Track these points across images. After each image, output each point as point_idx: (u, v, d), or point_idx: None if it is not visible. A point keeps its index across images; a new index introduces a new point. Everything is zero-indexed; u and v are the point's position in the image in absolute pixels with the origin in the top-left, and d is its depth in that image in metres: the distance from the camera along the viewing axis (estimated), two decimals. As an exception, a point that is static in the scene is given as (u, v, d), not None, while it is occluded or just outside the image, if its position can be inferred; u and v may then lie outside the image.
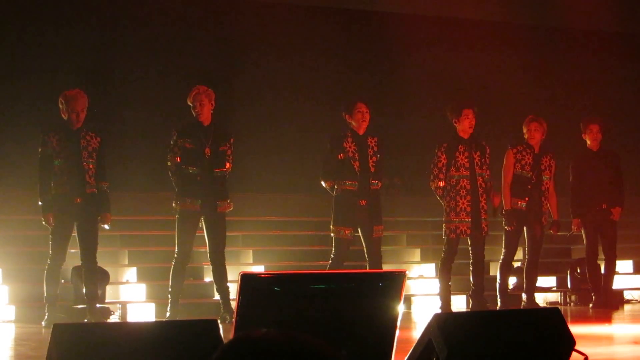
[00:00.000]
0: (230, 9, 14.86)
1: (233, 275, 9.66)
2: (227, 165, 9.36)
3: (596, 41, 16.17)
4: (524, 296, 10.63)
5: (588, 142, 11.09)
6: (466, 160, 9.76)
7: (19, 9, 13.49)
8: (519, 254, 11.78)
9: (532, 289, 10.53)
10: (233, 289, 9.22)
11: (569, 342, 4.64)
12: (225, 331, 4.43)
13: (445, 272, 9.90)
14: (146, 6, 14.12)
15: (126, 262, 11.52)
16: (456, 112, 9.83)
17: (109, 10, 14.04)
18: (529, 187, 10.25)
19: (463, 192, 9.72)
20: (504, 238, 10.30)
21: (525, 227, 10.33)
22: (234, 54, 14.68)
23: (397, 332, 4.49)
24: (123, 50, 13.84)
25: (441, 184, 9.80)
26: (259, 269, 11.74)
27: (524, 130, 10.41)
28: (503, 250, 10.30)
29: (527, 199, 10.21)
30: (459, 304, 11.20)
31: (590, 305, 11.17)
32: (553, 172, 10.42)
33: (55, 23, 13.57)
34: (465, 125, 9.79)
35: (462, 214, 9.70)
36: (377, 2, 15.64)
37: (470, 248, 9.87)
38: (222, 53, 14.62)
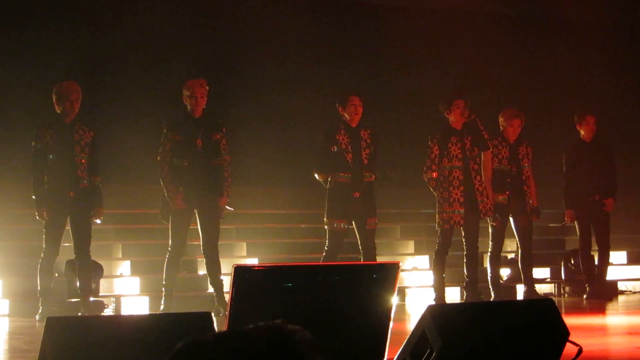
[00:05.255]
0: (226, 3, 14.84)
1: (227, 268, 9.66)
2: (226, 157, 9.34)
3: (589, 32, 16.17)
4: (522, 288, 10.65)
5: (582, 133, 11.09)
6: (459, 150, 9.75)
7: (10, 3, 13.45)
8: (512, 246, 11.78)
9: (530, 279, 10.54)
10: (227, 282, 9.23)
11: (563, 333, 4.64)
12: (219, 324, 4.43)
13: (439, 264, 9.89)
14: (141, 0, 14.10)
15: (120, 256, 11.51)
16: (447, 103, 9.82)
17: (103, 3, 14.01)
18: (509, 180, 10.25)
19: (456, 182, 9.71)
20: (490, 231, 10.31)
21: (511, 220, 10.34)
22: (229, 48, 14.66)
23: (392, 324, 4.49)
24: (117, 44, 13.82)
25: (434, 175, 9.79)
26: (252, 261, 11.74)
27: (502, 123, 10.37)
28: (490, 243, 10.32)
29: (507, 192, 10.22)
30: (453, 295, 11.20)
31: (584, 296, 11.19)
32: (531, 159, 10.42)
33: (48, 17, 13.54)
34: (456, 116, 9.78)
35: (456, 205, 9.70)
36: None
37: (464, 240, 9.87)
38: (217, 47, 14.61)
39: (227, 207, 9.39)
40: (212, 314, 4.28)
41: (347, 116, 9.55)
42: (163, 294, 9.35)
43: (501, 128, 10.38)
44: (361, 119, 9.60)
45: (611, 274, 11.75)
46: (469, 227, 9.80)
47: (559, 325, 4.66)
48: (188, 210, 9.24)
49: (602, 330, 8.30)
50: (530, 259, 10.54)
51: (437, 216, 9.83)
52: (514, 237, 10.71)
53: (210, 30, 14.65)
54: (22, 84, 12.85)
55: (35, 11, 13.51)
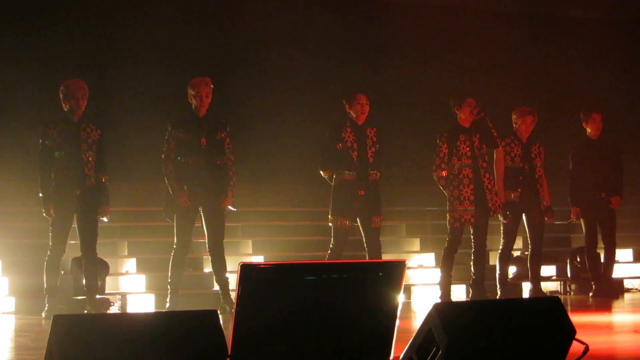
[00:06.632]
0: (231, 1, 14.84)
1: (232, 266, 9.66)
2: (230, 156, 9.34)
3: (597, 29, 16.15)
4: (529, 285, 10.64)
5: (589, 130, 11.08)
6: (468, 149, 9.75)
7: (17, 1, 13.46)
8: (519, 243, 11.77)
9: (537, 278, 10.53)
10: (232, 280, 9.23)
11: (570, 332, 4.64)
12: (225, 322, 4.43)
13: (448, 262, 9.88)
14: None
15: (126, 253, 11.52)
16: (459, 100, 9.82)
17: (109, 2, 14.01)
18: (521, 178, 10.25)
19: (466, 180, 9.70)
20: (502, 229, 10.31)
21: (524, 217, 10.34)
22: (234, 45, 14.66)
23: (397, 322, 4.49)
24: (123, 42, 13.82)
25: (443, 173, 9.78)
26: (258, 259, 11.75)
27: (516, 120, 10.38)
28: (502, 240, 10.31)
29: (519, 190, 10.22)
30: (459, 293, 11.20)
31: (591, 294, 11.18)
32: (543, 159, 10.42)
33: (54, 15, 13.54)
34: (466, 114, 9.78)
35: (466, 203, 9.69)
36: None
37: (472, 237, 9.86)
38: (222, 44, 14.60)
39: (229, 207, 9.40)
40: (219, 312, 4.28)
41: (353, 114, 9.55)
42: (169, 292, 9.36)
43: (514, 126, 10.39)
44: (367, 116, 9.59)
45: (617, 271, 11.73)
46: (478, 225, 9.79)
47: (565, 323, 4.65)
48: (193, 208, 9.24)
49: (609, 328, 8.28)
50: (539, 257, 10.53)
51: (447, 214, 9.81)
52: (521, 235, 10.69)
53: (216, 28, 14.65)
54: (28, 82, 12.86)
55: (41, 9, 13.51)
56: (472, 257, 9.92)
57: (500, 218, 10.16)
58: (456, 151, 9.75)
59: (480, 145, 9.78)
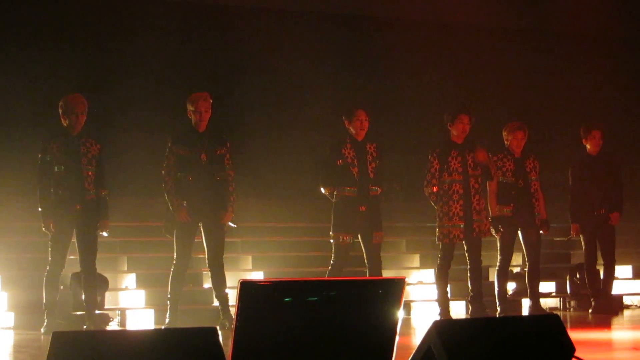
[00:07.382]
0: (231, 16, 14.87)
1: (232, 282, 9.66)
2: (230, 172, 9.34)
3: (594, 44, 16.18)
4: (528, 302, 10.62)
5: (588, 147, 11.10)
6: (459, 164, 9.76)
7: (19, 16, 13.49)
8: (518, 260, 11.77)
9: (536, 294, 10.50)
10: (232, 295, 9.22)
11: (569, 349, 4.64)
12: (224, 338, 4.43)
13: (442, 278, 9.88)
14: (146, 14, 14.12)
15: (125, 269, 11.51)
16: (452, 116, 9.85)
17: (109, 18, 14.04)
18: (513, 192, 10.23)
19: (456, 196, 9.71)
20: (498, 245, 10.30)
21: (520, 234, 10.32)
22: (235, 61, 14.68)
23: (397, 339, 4.48)
24: (123, 57, 13.84)
25: (434, 189, 9.80)
26: (258, 275, 11.74)
27: (506, 137, 10.38)
28: (499, 257, 10.30)
29: (512, 205, 10.20)
30: (458, 309, 11.19)
31: (590, 310, 11.17)
32: (539, 173, 10.42)
33: (55, 31, 13.57)
34: (459, 130, 9.80)
35: (455, 219, 9.70)
36: (378, 8, 15.66)
37: (466, 254, 9.86)
38: (223, 60, 14.63)
39: (229, 223, 9.40)
40: (218, 329, 4.28)
41: (352, 130, 9.56)
42: (168, 307, 9.35)
43: (506, 142, 10.39)
44: (367, 132, 9.60)
45: (617, 288, 11.73)
46: (471, 241, 9.79)
47: (565, 341, 4.65)
48: (193, 223, 9.24)
49: (608, 345, 8.28)
50: (537, 273, 10.51)
51: (437, 230, 9.83)
52: (520, 251, 10.69)
53: (216, 43, 14.67)
54: (27, 97, 12.88)
55: (42, 25, 13.54)
56: (469, 274, 9.92)
57: (493, 232, 10.14)
58: (447, 167, 9.76)
59: (475, 166, 9.79)
